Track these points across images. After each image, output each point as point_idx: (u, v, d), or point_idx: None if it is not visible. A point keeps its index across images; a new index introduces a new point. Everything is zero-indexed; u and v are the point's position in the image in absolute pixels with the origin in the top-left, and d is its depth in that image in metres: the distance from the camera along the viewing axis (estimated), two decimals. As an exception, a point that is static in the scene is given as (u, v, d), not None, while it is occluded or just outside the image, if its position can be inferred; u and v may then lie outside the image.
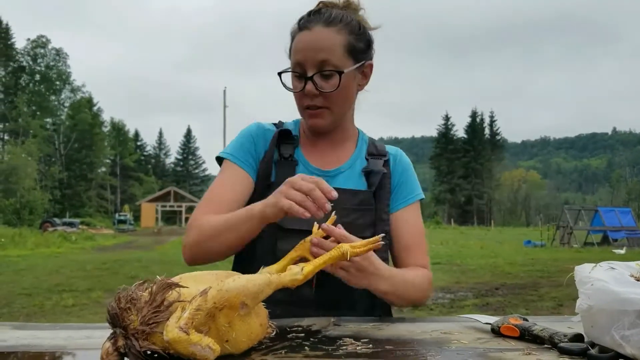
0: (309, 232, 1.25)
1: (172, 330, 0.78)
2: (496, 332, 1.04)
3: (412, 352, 0.92)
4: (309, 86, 1.31)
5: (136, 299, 0.83)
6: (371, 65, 1.43)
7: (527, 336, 0.98)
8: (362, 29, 1.37)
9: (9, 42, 62.03)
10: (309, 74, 1.30)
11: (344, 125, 1.46)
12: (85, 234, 30.09)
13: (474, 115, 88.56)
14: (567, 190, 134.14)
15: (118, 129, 76.22)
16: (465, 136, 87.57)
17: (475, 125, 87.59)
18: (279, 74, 1.37)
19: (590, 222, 23.37)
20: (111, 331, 0.85)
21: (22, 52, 64.00)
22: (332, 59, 1.30)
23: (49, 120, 63.77)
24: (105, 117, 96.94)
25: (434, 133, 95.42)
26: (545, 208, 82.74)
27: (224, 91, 36.99)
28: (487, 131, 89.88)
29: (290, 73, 1.37)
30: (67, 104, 65.98)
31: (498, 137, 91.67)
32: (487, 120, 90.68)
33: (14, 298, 8.29)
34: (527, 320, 1.03)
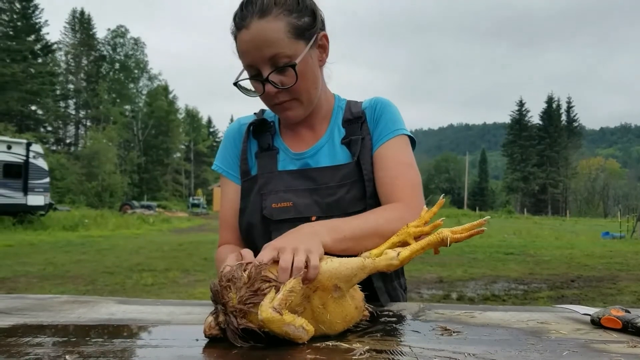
0: (300, 220, 1.21)
1: (266, 310, 0.81)
2: (596, 323, 1.00)
3: (512, 339, 0.90)
4: (268, 87, 1.24)
5: (236, 278, 0.86)
6: (326, 36, 1.32)
7: (630, 328, 0.94)
8: (299, 1, 1.25)
9: (91, 33, 65.00)
10: (264, 75, 1.23)
11: (318, 104, 1.39)
12: (162, 217, 31.34)
13: (550, 101, 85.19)
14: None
15: (192, 115, 78.54)
16: (540, 123, 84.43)
17: (551, 112, 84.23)
18: (235, 84, 1.29)
19: (675, 213, 22.09)
20: (212, 308, 0.89)
21: (103, 41, 67.03)
22: (281, 51, 1.20)
23: (127, 107, 66.46)
24: (180, 104, 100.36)
25: (507, 119, 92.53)
26: (624, 198, 78.80)
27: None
28: (563, 117, 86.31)
29: (247, 77, 1.30)
30: (144, 92, 68.70)
31: (575, 124, 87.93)
32: (563, 107, 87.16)
33: (97, 276, 8.74)
34: (629, 312, 0.99)
